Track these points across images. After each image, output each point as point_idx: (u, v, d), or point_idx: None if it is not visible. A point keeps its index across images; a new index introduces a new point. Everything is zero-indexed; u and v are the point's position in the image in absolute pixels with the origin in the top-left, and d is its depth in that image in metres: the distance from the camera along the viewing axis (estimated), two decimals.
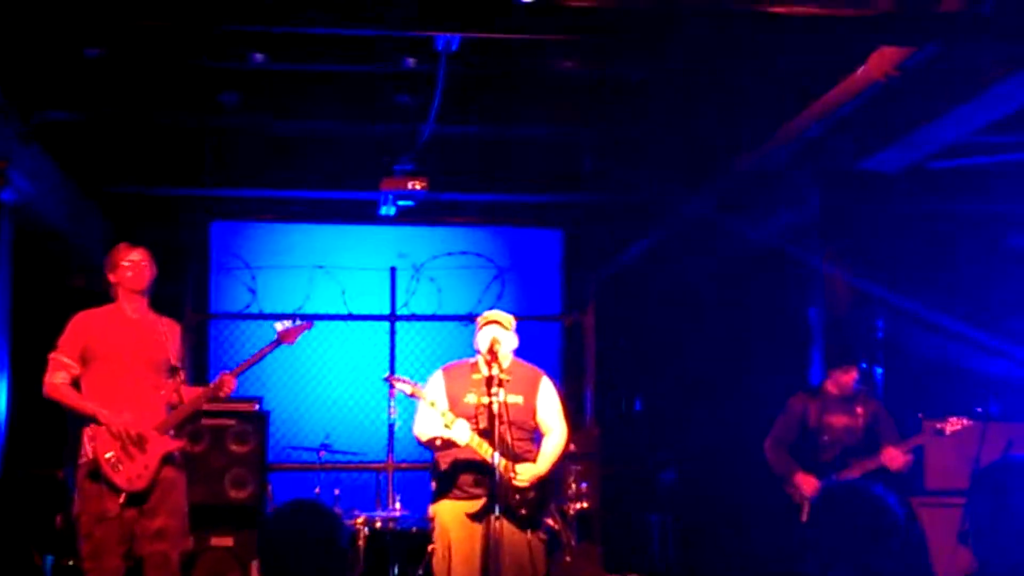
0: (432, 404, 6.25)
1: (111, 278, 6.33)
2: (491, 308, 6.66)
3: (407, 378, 6.49)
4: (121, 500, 6.04)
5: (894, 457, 7.17)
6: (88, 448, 6.07)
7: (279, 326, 6.62)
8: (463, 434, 6.16)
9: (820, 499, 2.94)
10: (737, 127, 8.50)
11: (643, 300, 11.52)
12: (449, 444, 6.25)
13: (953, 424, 7.21)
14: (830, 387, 7.50)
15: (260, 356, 6.52)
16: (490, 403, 6.06)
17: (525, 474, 6.29)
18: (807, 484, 7.23)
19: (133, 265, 6.30)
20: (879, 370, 8.16)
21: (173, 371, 6.39)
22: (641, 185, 9.71)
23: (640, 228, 10.68)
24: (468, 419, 6.24)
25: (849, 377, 7.44)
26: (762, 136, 8.03)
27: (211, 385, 6.39)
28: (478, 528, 6.23)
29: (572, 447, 8.22)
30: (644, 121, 8.87)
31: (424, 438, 6.39)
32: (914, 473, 7.84)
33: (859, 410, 7.40)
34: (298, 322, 6.66)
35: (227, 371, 6.41)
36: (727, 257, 10.47)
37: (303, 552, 3.11)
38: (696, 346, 11.17)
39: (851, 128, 7.57)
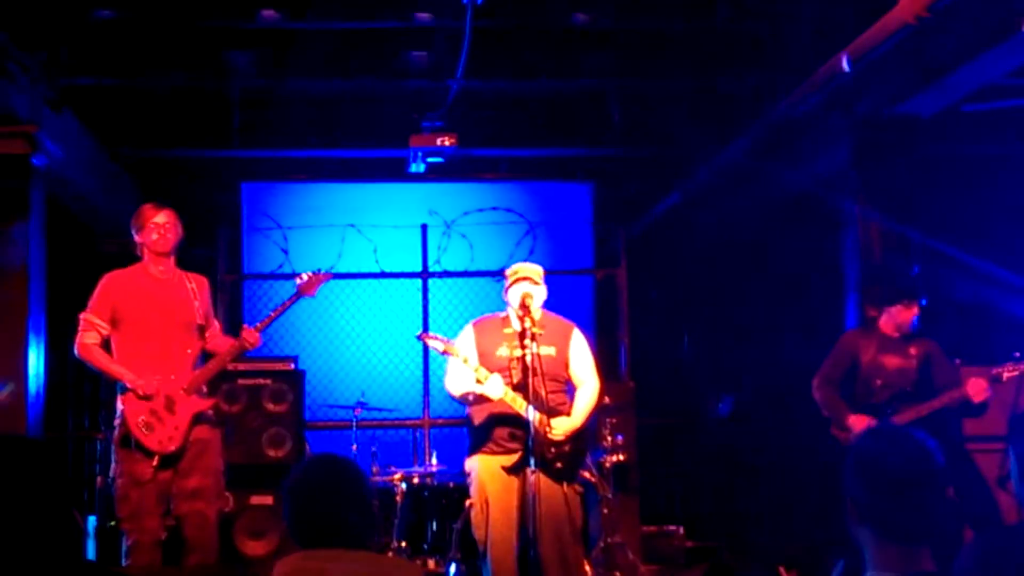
0: (465, 360, 6.25)
1: (137, 239, 6.36)
2: (515, 264, 6.62)
3: (439, 335, 6.49)
4: (154, 463, 6.08)
5: (979, 388, 6.82)
6: (121, 411, 6.12)
7: (299, 279, 6.64)
8: (496, 389, 6.17)
9: (862, 445, 2.88)
10: (768, 75, 8.42)
11: (675, 252, 11.48)
12: (482, 399, 6.25)
13: (1010, 370, 6.95)
14: (885, 325, 7.20)
15: (282, 310, 6.54)
16: (523, 356, 6.06)
17: (560, 428, 6.29)
18: (860, 425, 6.90)
19: (159, 227, 6.32)
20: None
21: (201, 330, 6.42)
22: (671, 137, 9.65)
23: (671, 180, 10.62)
24: (500, 372, 6.24)
25: (910, 313, 7.13)
26: (794, 83, 7.95)
27: (235, 341, 6.41)
28: (515, 481, 6.24)
29: (607, 400, 8.24)
30: (674, 72, 8.81)
31: (457, 393, 6.40)
32: (952, 420, 7.78)
33: (912, 351, 7.13)
34: (320, 272, 6.67)
35: (249, 326, 6.44)
36: (759, 208, 10.40)
37: (328, 504, 3.12)
38: (730, 297, 11.13)
39: (884, 72, 7.48)
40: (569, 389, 6.56)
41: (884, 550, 2.78)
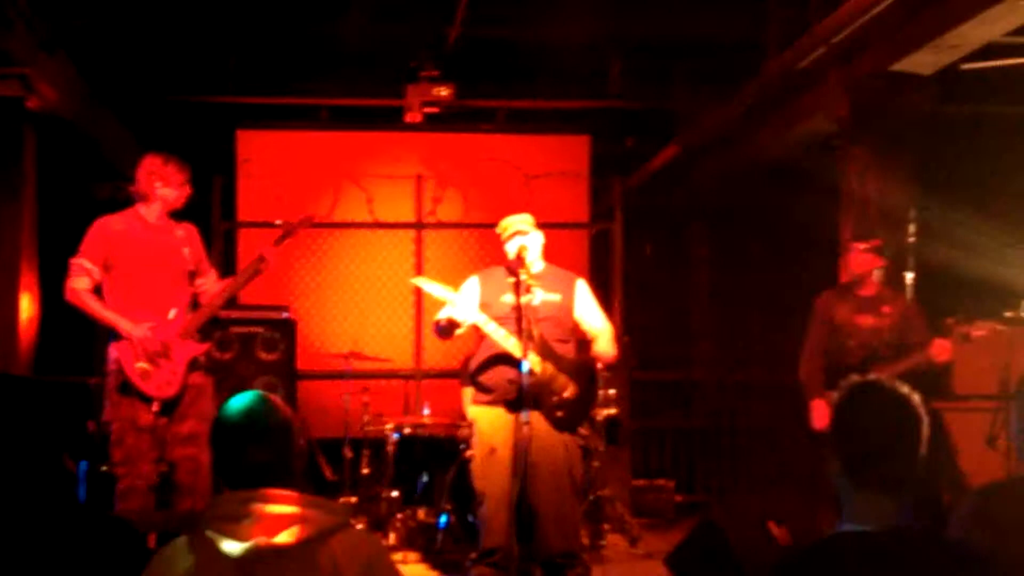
0: (451, 298, 6.25)
1: (149, 188, 6.28)
2: (518, 215, 6.60)
3: (435, 283, 6.48)
4: (154, 408, 6.08)
5: (943, 349, 6.84)
6: (116, 358, 6.10)
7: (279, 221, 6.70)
8: (468, 312, 6.17)
9: (844, 396, 2.89)
10: (766, 31, 8.37)
11: (672, 208, 11.47)
12: (453, 325, 6.25)
13: (979, 328, 6.98)
14: (853, 267, 7.14)
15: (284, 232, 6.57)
16: (517, 304, 6.07)
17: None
18: (818, 414, 7.03)
19: (182, 188, 6.31)
20: (909, 275, 8.06)
21: (191, 276, 6.41)
22: (670, 90, 9.61)
23: (668, 135, 10.58)
24: (503, 318, 6.24)
25: (865, 257, 7.04)
26: (792, 39, 7.90)
27: (252, 262, 6.44)
28: (511, 436, 6.22)
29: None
30: (672, 26, 8.75)
31: (435, 322, 6.42)
32: (943, 378, 7.79)
33: (886, 309, 7.13)
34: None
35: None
36: (757, 164, 10.37)
37: (242, 444, 3.13)
38: (725, 256, 11.13)
39: (883, 29, 7.44)
40: (577, 336, 6.57)
41: (860, 501, 2.78)
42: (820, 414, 7.04)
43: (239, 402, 3.20)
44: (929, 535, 2.72)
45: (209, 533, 2.92)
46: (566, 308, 6.46)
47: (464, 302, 6.24)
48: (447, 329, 6.32)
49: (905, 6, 6.94)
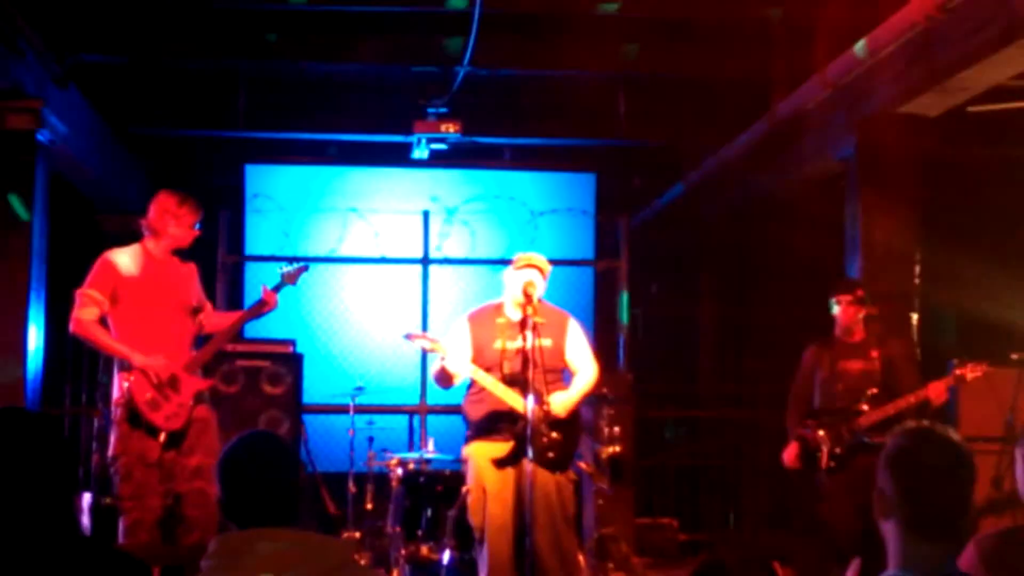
0: (443, 358, 6.26)
1: (160, 225, 6.30)
2: (525, 252, 6.63)
3: (425, 333, 6.52)
4: (161, 440, 6.08)
5: (940, 392, 6.84)
6: (124, 390, 6.10)
7: (282, 270, 6.73)
8: (461, 366, 6.20)
9: (903, 442, 2.85)
10: (773, 71, 8.42)
11: (677, 245, 11.49)
12: (447, 377, 6.28)
13: (973, 370, 7.01)
14: (839, 319, 7.18)
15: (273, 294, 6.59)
16: (522, 348, 6.09)
17: (558, 402, 6.30)
18: (789, 457, 7.21)
19: (192, 230, 6.34)
20: (914, 316, 8.07)
21: (195, 312, 6.43)
22: (677, 129, 9.65)
23: (675, 172, 10.62)
24: (494, 366, 6.26)
25: (849, 309, 7.10)
26: (799, 79, 7.94)
27: (254, 305, 6.48)
28: (510, 470, 6.26)
29: (605, 390, 8.23)
30: (679, 64, 8.80)
31: (431, 373, 6.45)
32: (947, 419, 7.78)
33: (874, 354, 7.21)
34: (296, 265, 6.76)
35: (268, 286, 6.51)
36: (763, 203, 10.39)
37: (251, 483, 3.16)
38: (732, 292, 11.14)
39: (891, 71, 7.47)
40: (567, 378, 6.57)
41: (908, 545, 2.75)
42: (789, 454, 7.23)
43: (246, 442, 3.22)
44: None
45: (213, 572, 2.93)
46: (558, 351, 6.48)
47: (456, 354, 6.25)
48: (444, 379, 6.36)
49: (912, 49, 6.97)
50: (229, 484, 3.19)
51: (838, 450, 7.00)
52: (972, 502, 2.77)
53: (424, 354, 9.99)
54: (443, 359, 6.24)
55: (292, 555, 2.98)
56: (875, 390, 7.03)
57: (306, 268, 6.83)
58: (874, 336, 7.26)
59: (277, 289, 6.60)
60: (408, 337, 6.60)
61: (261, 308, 6.49)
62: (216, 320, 6.53)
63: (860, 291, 7.19)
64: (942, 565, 2.72)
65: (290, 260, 6.81)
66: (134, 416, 6.05)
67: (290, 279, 6.68)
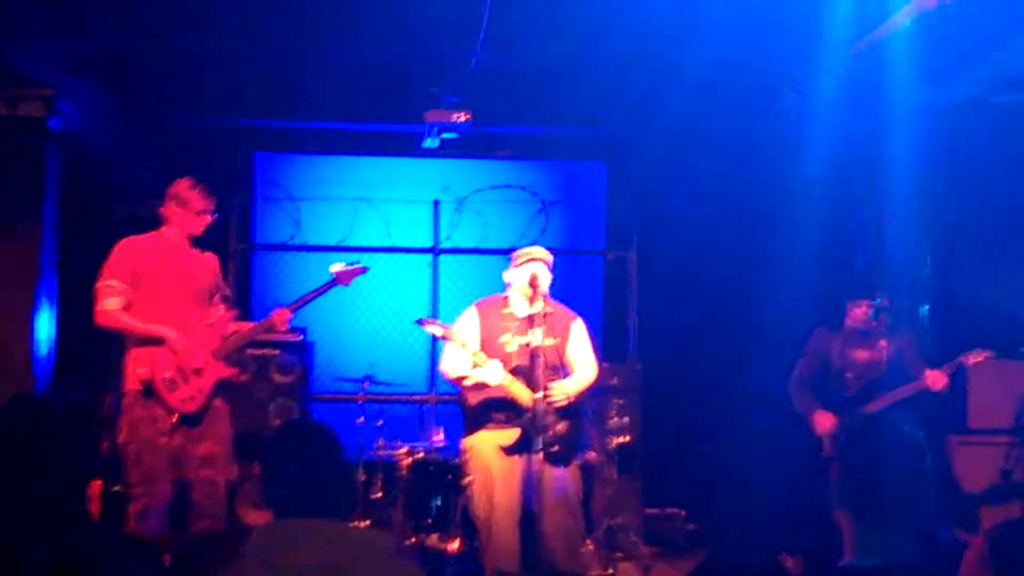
0: (464, 345, 6.27)
1: (177, 215, 6.31)
2: (534, 242, 6.64)
3: (438, 320, 6.52)
4: (173, 420, 6.09)
5: (936, 379, 7.00)
6: (135, 373, 6.12)
7: (334, 268, 6.66)
8: (495, 375, 6.19)
9: (844, 436, 2.87)
10: (785, 58, 8.37)
11: (688, 235, 11.44)
12: (480, 384, 6.28)
13: (974, 357, 7.10)
14: (849, 321, 7.45)
15: (316, 295, 6.56)
16: (529, 343, 6.11)
17: (558, 390, 6.31)
18: (822, 422, 7.19)
19: (204, 215, 6.35)
20: (925, 307, 8.06)
21: (211, 299, 6.44)
22: (687, 117, 9.60)
23: (686, 162, 10.57)
24: (500, 359, 6.27)
25: (861, 310, 7.39)
26: (812, 68, 7.90)
27: (267, 319, 6.45)
28: (517, 460, 6.27)
29: (615, 380, 8.24)
30: (689, 53, 8.76)
31: (452, 375, 6.44)
32: (956, 411, 7.76)
33: (882, 343, 7.30)
34: (355, 264, 6.69)
35: (283, 306, 6.47)
36: (774, 192, 10.35)
37: (300, 474, 3.15)
38: (743, 284, 11.09)
39: (909, 58, 7.44)
40: (566, 374, 6.59)
41: (863, 536, 2.77)
42: (824, 421, 7.20)
43: (296, 432, 3.22)
44: (931, 570, 2.71)
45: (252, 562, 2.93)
46: (561, 350, 6.51)
47: (494, 367, 6.24)
48: (472, 387, 6.37)
49: (928, 35, 6.94)
50: (272, 473, 3.17)
51: (841, 439, 7.02)
52: (921, 490, 2.78)
53: (434, 343, 10.00)
54: (476, 366, 6.24)
55: (332, 548, 2.97)
56: (881, 379, 7.11)
57: (365, 270, 6.79)
58: (883, 326, 7.30)
59: (319, 293, 6.57)
60: (420, 322, 6.60)
61: (272, 322, 6.45)
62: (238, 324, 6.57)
63: (883, 300, 7.33)
64: (896, 552, 2.74)
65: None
66: (148, 391, 6.06)
67: (343, 279, 6.66)
